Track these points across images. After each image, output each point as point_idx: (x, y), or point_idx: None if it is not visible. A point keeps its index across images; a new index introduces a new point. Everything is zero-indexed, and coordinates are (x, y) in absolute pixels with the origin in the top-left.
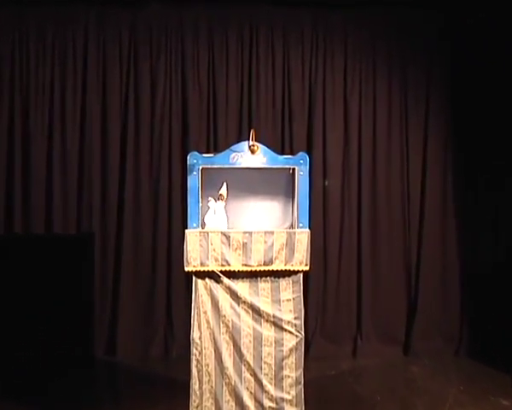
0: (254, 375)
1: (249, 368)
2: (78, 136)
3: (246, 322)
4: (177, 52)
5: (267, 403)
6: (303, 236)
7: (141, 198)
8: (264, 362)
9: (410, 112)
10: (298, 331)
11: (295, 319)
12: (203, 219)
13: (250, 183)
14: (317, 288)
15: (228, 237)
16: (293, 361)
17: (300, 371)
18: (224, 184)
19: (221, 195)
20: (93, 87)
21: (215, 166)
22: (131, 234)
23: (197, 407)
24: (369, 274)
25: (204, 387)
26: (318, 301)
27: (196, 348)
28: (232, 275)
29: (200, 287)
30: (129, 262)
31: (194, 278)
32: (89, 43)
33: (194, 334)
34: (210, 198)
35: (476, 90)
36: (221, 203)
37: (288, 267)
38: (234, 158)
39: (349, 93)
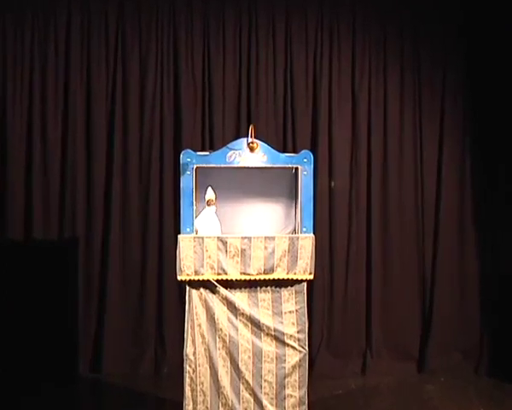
0: (254, 394)
1: (248, 387)
2: (60, 133)
3: (244, 336)
4: (168, 40)
5: None
6: (307, 241)
7: (129, 200)
8: (265, 380)
9: (425, 107)
10: (301, 346)
11: (299, 332)
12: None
13: (249, 183)
14: (323, 299)
15: (225, 243)
16: (297, 379)
17: (304, 390)
18: (209, 188)
19: (210, 200)
20: (76, 80)
21: (211, 166)
22: (119, 240)
23: None
24: (379, 283)
25: (198, 408)
26: (324, 313)
27: (190, 365)
28: (229, 285)
29: (195, 298)
30: (116, 270)
31: (187, 287)
32: (71, 28)
33: (188, 349)
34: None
35: (497, 82)
36: (211, 209)
37: (291, 276)
38: (231, 156)
39: (357, 86)
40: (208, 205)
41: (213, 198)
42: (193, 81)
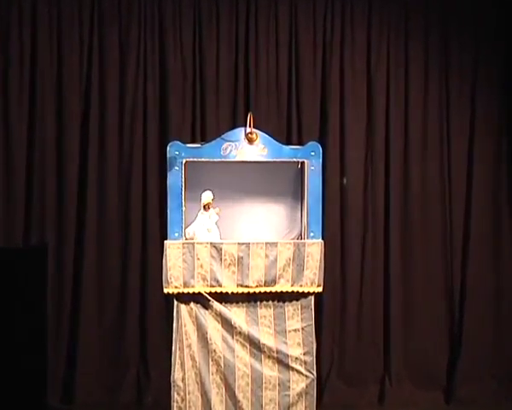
0: None
1: None
2: (25, 126)
3: (242, 359)
4: (153, 16)
5: None
6: (314, 248)
7: (107, 202)
8: None
9: (452, 92)
10: (308, 371)
11: (305, 354)
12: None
13: (247, 181)
14: (333, 315)
15: (219, 250)
16: (303, 409)
17: None
18: (207, 192)
19: (208, 202)
20: (44, 62)
21: (202, 160)
22: (94, 247)
23: None
24: (399, 298)
25: None
26: (335, 331)
27: (178, 393)
28: (224, 298)
29: (184, 314)
30: (91, 282)
31: (175, 302)
32: (38, 4)
33: (176, 374)
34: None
35: None
36: (208, 213)
37: (296, 288)
38: (226, 149)
39: (374, 68)
40: (205, 209)
41: (210, 200)
42: (182, 65)
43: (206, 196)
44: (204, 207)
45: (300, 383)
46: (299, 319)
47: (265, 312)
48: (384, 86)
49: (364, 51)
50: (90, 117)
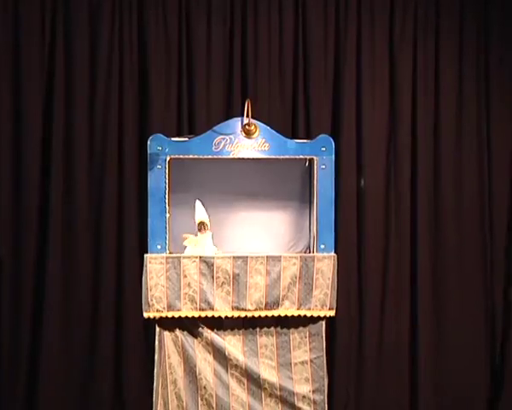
0: None
1: None
2: None
3: (238, 397)
4: None
5: None
6: (325, 263)
7: (74, 207)
8: None
9: (493, 79)
10: None
11: (314, 392)
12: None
13: (244, 182)
14: (349, 344)
15: (210, 266)
16: None
17: None
18: (198, 202)
19: (202, 223)
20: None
21: (191, 157)
22: (59, 263)
23: None
24: (429, 324)
25: None
26: (350, 364)
27: None
28: (217, 324)
29: (168, 343)
30: (55, 306)
31: (157, 328)
32: None
33: None
34: (186, 235)
35: None
36: (205, 235)
37: (304, 312)
38: (219, 144)
39: (397, 48)
40: (200, 231)
41: (207, 221)
42: (165, 41)
43: (198, 216)
44: (198, 227)
45: None
46: (306, 350)
47: (266, 340)
48: (410, 70)
49: (386, 28)
50: (54, 106)
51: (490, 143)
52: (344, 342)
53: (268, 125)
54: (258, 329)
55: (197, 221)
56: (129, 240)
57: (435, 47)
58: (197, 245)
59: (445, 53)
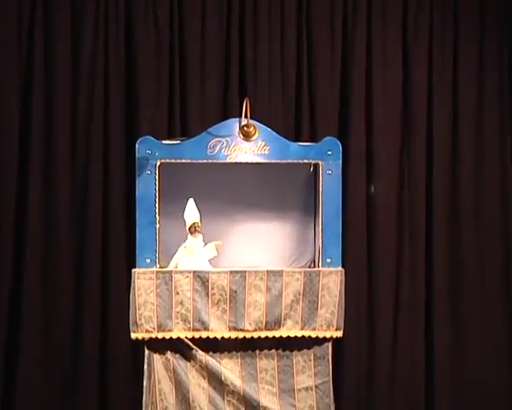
0: None
1: None
2: None
3: None
4: None
5: None
6: (332, 278)
7: (54, 217)
8: None
9: None
10: None
11: None
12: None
13: (242, 189)
14: (358, 368)
15: (205, 282)
16: None
17: None
18: (191, 201)
19: (195, 225)
20: None
21: (183, 161)
22: (39, 280)
23: None
24: (446, 345)
25: None
26: (360, 391)
27: None
28: (212, 346)
29: (158, 367)
30: (32, 327)
31: (146, 351)
32: None
33: None
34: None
35: None
36: (198, 240)
37: (308, 333)
38: (215, 147)
39: (411, 42)
40: (192, 234)
41: (198, 221)
42: (155, 34)
43: (191, 216)
44: (190, 230)
45: None
46: (311, 374)
47: (267, 364)
48: (425, 63)
49: (399, 16)
50: (33, 109)
51: None
52: (352, 366)
53: (268, 126)
54: (257, 351)
55: (189, 223)
56: (115, 253)
57: (453, 41)
58: (193, 255)
59: (463, 49)
